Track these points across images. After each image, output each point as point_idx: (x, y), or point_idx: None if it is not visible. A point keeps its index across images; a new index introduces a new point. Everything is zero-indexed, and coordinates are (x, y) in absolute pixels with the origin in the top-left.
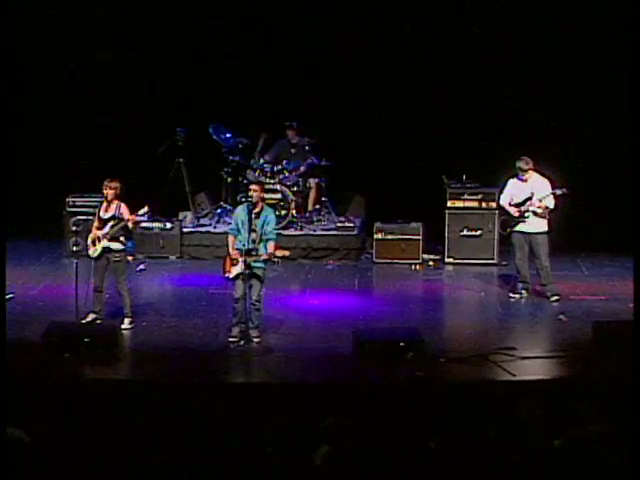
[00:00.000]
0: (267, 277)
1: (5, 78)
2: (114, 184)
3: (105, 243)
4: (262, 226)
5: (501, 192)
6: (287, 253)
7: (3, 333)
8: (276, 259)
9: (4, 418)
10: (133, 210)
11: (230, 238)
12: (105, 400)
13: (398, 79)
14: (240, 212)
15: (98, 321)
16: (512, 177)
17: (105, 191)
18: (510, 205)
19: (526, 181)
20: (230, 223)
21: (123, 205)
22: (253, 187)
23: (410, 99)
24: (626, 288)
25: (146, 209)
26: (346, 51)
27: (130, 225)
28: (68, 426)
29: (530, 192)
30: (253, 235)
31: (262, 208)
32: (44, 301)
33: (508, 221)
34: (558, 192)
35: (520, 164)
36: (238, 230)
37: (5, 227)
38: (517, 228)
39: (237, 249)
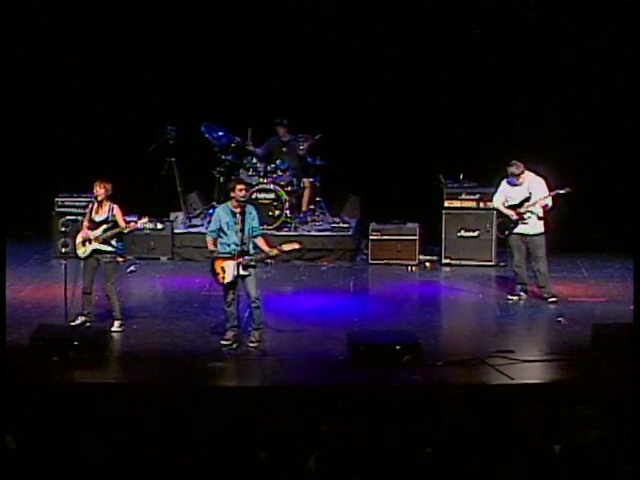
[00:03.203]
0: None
1: None
2: (106, 185)
3: (96, 245)
4: (249, 224)
5: (494, 193)
6: (297, 245)
7: (3, 333)
8: (271, 259)
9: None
10: (125, 211)
11: (210, 240)
12: (95, 404)
13: (395, 78)
14: (222, 213)
15: (87, 324)
16: (506, 177)
17: (96, 192)
18: (506, 207)
19: (520, 185)
20: None
21: (116, 207)
22: (242, 187)
23: (406, 97)
24: (626, 290)
25: (146, 220)
26: (342, 49)
27: (126, 232)
28: (56, 430)
29: (527, 192)
30: (241, 235)
31: (244, 206)
32: (32, 303)
33: (507, 224)
34: (561, 192)
35: (512, 169)
36: (220, 231)
37: (5, 227)
38: (515, 230)
39: (227, 252)
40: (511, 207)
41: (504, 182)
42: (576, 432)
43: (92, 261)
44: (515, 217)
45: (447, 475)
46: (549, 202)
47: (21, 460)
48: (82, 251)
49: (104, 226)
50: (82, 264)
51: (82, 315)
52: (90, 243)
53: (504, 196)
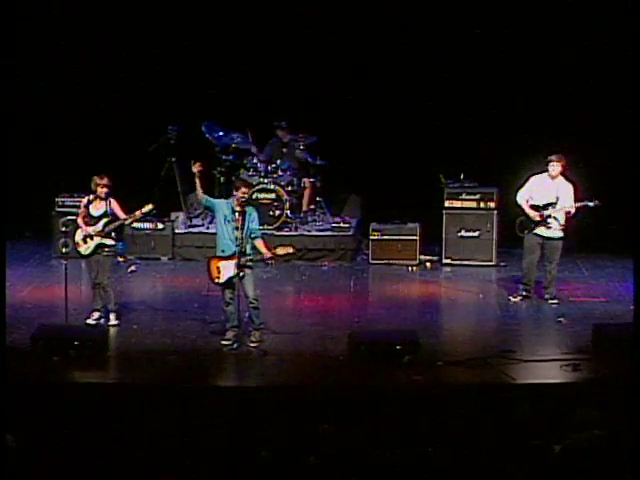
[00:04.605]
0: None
1: None
2: (105, 181)
3: (98, 240)
4: (248, 225)
5: (520, 188)
6: (291, 250)
7: (3, 333)
8: (270, 261)
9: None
10: (123, 205)
11: (200, 190)
12: (95, 404)
13: (395, 78)
14: (223, 205)
15: (102, 319)
16: (535, 175)
17: (95, 187)
18: (530, 206)
19: (554, 178)
20: None
21: (113, 201)
22: (245, 190)
23: (407, 97)
24: (627, 290)
25: (150, 207)
26: (342, 49)
27: (128, 222)
28: (57, 430)
29: (555, 196)
30: (237, 233)
31: (245, 207)
32: (32, 303)
33: (527, 224)
34: (590, 204)
35: (551, 157)
36: (213, 208)
37: (5, 227)
38: (535, 231)
39: (222, 250)
40: (534, 207)
41: (535, 178)
42: (576, 432)
43: (95, 257)
44: (538, 219)
45: (447, 475)
46: (572, 210)
47: (21, 460)
48: (84, 248)
49: (104, 220)
50: (85, 261)
51: (96, 310)
52: (92, 239)
53: (529, 193)
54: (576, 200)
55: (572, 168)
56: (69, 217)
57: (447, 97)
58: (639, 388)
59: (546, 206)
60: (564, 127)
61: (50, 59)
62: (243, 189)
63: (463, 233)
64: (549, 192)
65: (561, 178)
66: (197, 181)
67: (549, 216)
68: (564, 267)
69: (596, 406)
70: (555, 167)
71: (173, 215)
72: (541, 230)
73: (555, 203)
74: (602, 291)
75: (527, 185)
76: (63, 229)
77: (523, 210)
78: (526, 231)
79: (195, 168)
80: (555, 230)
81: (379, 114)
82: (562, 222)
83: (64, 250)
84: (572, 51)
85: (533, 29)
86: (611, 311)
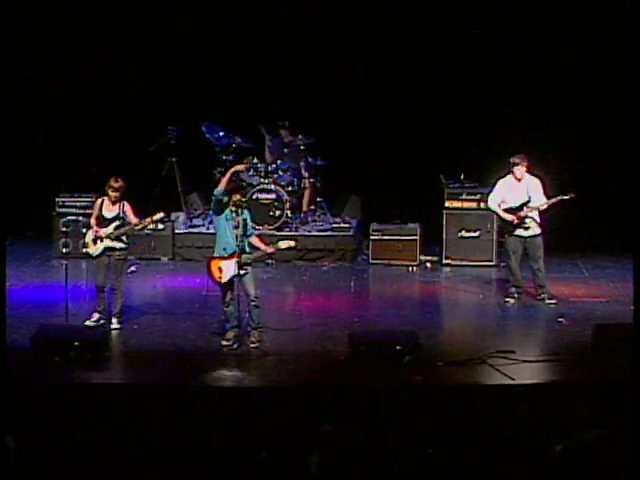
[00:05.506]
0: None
1: None
2: (119, 183)
3: (108, 243)
4: (244, 223)
5: (489, 193)
6: (292, 243)
7: (3, 333)
8: (268, 257)
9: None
10: (136, 209)
11: (224, 184)
12: (95, 404)
13: (395, 78)
14: (227, 212)
15: (102, 321)
16: (502, 177)
17: (110, 190)
18: (504, 210)
19: (520, 180)
20: None
21: (127, 204)
22: (240, 196)
23: (407, 98)
24: (627, 290)
25: (162, 215)
26: (343, 50)
27: (138, 228)
28: (57, 431)
29: (527, 195)
30: (236, 231)
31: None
32: (33, 303)
33: (506, 227)
34: (565, 197)
35: (515, 159)
36: (222, 204)
37: (5, 227)
38: (515, 232)
39: (222, 249)
40: (509, 210)
41: (503, 181)
42: (576, 432)
43: (104, 258)
44: (516, 221)
45: (447, 475)
46: (547, 206)
47: (21, 460)
48: (94, 250)
49: (116, 223)
50: (94, 262)
51: (97, 312)
52: (102, 241)
53: (500, 197)
54: (546, 195)
55: (572, 168)
56: (69, 217)
57: (447, 97)
58: (638, 388)
59: (520, 207)
60: (564, 127)
61: (51, 59)
62: (237, 195)
63: (463, 233)
64: (520, 193)
65: (527, 176)
66: (228, 176)
67: (525, 216)
68: (564, 267)
69: (596, 406)
70: (520, 169)
71: (173, 215)
72: (520, 231)
73: (528, 202)
74: (602, 291)
75: (496, 190)
76: (64, 229)
77: (498, 215)
78: (506, 235)
79: (242, 166)
80: (533, 229)
81: (379, 114)
82: (537, 218)
83: (64, 250)
84: (572, 51)
85: (533, 29)
86: (611, 311)
